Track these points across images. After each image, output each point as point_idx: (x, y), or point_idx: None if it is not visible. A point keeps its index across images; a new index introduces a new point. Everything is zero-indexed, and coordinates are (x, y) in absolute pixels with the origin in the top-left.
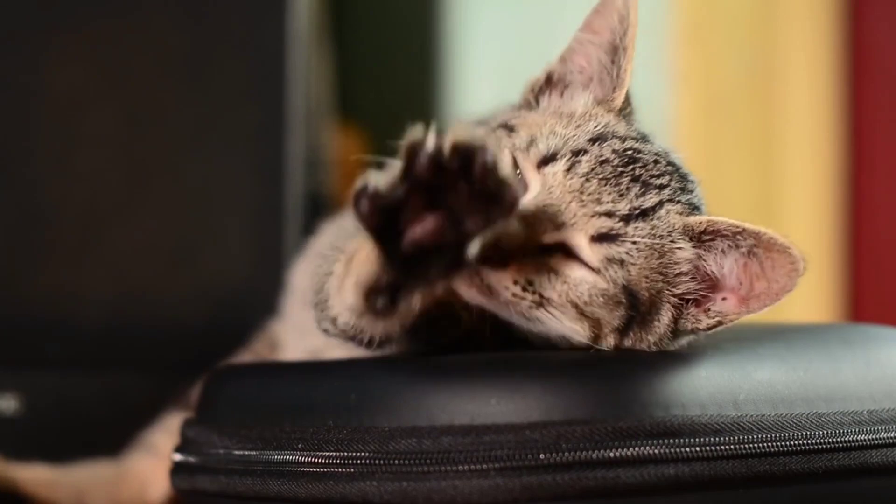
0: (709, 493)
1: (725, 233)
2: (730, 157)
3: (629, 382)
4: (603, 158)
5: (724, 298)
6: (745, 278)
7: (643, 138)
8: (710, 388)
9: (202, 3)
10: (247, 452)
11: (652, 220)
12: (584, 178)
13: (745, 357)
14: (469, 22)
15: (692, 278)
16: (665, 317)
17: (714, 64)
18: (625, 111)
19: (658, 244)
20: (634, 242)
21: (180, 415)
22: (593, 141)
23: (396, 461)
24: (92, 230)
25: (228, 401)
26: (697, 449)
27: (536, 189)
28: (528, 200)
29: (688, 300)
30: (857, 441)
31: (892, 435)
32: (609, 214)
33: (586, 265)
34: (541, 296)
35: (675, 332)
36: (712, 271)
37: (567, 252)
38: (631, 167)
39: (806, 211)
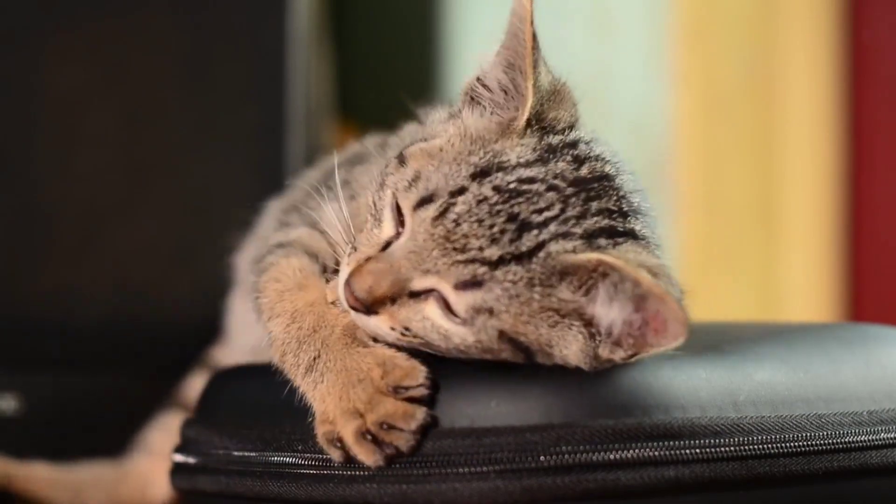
0: (709, 494)
1: (611, 275)
2: (730, 157)
3: (629, 385)
4: (481, 198)
5: (619, 337)
6: (635, 322)
7: (542, 159)
8: (709, 389)
9: (202, 3)
10: (246, 453)
11: (529, 263)
12: (454, 223)
13: (744, 358)
14: (469, 22)
15: (581, 320)
16: (573, 346)
17: (714, 64)
18: (537, 125)
19: (536, 288)
20: (505, 289)
21: (176, 413)
22: (475, 177)
23: (396, 463)
24: (92, 230)
25: (228, 401)
26: (697, 451)
27: (408, 234)
28: (396, 245)
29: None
30: (857, 442)
31: (893, 436)
32: (473, 261)
33: (456, 315)
34: (424, 340)
35: (598, 357)
36: (599, 311)
37: (441, 297)
38: (511, 205)
39: (806, 211)
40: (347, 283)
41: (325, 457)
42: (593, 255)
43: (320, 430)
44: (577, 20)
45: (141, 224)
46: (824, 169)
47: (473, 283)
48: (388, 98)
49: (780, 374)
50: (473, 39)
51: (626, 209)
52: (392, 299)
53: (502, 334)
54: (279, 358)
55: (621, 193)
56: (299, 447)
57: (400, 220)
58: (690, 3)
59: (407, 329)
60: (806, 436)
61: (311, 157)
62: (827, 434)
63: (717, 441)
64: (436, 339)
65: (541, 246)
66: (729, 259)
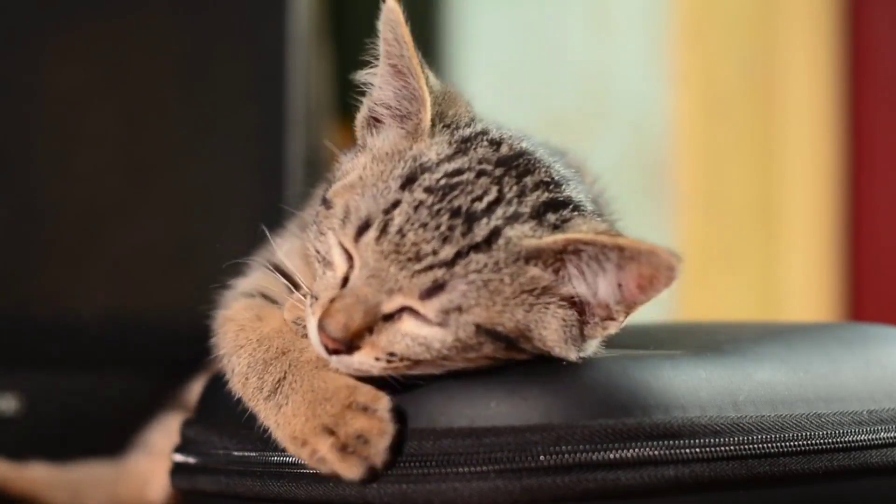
0: (709, 494)
1: (585, 248)
2: (730, 157)
3: (629, 384)
4: (416, 203)
5: (606, 306)
6: (622, 287)
7: (461, 150)
8: (709, 389)
9: (202, 3)
10: (246, 453)
11: (490, 250)
12: (399, 235)
13: (744, 358)
14: (470, 22)
15: (557, 299)
16: (552, 326)
17: (714, 64)
18: (442, 123)
19: (505, 273)
20: (470, 282)
21: (178, 414)
22: (404, 186)
23: (396, 463)
24: (92, 230)
25: (228, 401)
26: (697, 450)
27: (359, 263)
28: (353, 277)
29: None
30: (857, 441)
31: (892, 435)
32: (431, 267)
33: (430, 321)
34: (410, 360)
35: (583, 336)
36: (580, 289)
37: (412, 310)
38: (448, 200)
39: (806, 211)
40: (321, 328)
41: None
42: (560, 237)
43: (303, 454)
44: (577, 20)
45: (141, 224)
46: (824, 169)
47: (436, 288)
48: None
49: (780, 374)
50: (473, 39)
51: (556, 178)
52: (369, 329)
53: (479, 328)
54: (241, 384)
55: (546, 164)
56: None
57: (348, 256)
58: (690, 3)
59: (392, 354)
60: (806, 435)
61: (311, 157)
62: (827, 433)
63: (717, 440)
64: (420, 353)
65: (496, 232)
66: (729, 259)
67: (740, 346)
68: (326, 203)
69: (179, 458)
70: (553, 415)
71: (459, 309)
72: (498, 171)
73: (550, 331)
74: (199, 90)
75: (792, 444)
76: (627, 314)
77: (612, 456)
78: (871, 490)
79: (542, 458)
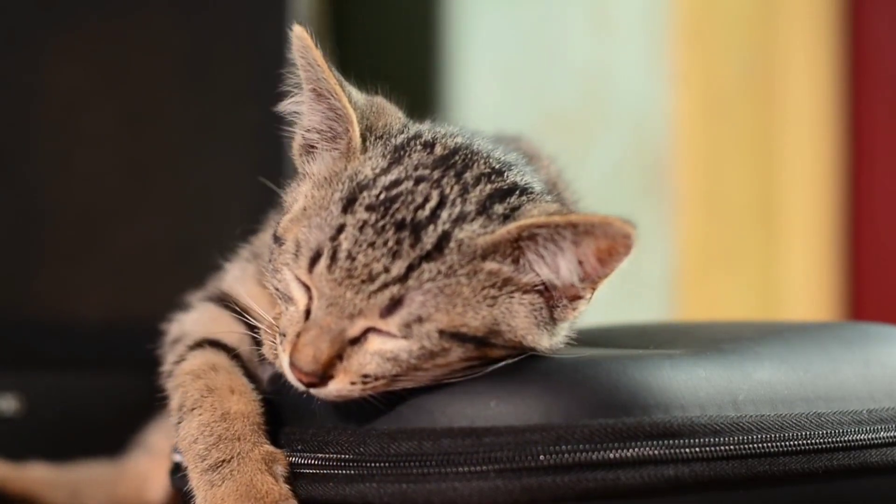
0: (709, 493)
1: (539, 232)
2: (730, 157)
3: (628, 384)
4: (360, 224)
5: (571, 285)
6: (584, 264)
7: (396, 160)
8: (709, 388)
9: (202, 3)
10: None
11: (442, 256)
12: (349, 261)
13: (744, 357)
14: (470, 22)
15: (522, 285)
16: (520, 315)
17: (714, 64)
18: (373, 136)
19: (461, 275)
20: (426, 291)
21: None
22: (345, 209)
23: (396, 463)
24: (92, 230)
25: None
26: (697, 449)
27: (317, 293)
28: (314, 308)
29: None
30: (856, 441)
31: (892, 434)
32: (385, 285)
33: (394, 336)
34: (384, 377)
35: (553, 319)
36: (542, 273)
37: (376, 329)
38: (391, 214)
39: (806, 211)
40: (292, 365)
41: (324, 456)
42: (512, 226)
43: None
44: (577, 20)
45: (141, 224)
46: (824, 169)
47: (394, 304)
48: (389, 98)
49: (780, 373)
50: (473, 39)
51: (497, 167)
52: (339, 356)
53: (442, 333)
54: (188, 443)
55: (484, 154)
56: (299, 447)
57: (307, 288)
58: (690, 3)
59: (366, 376)
60: (805, 434)
61: None
62: (826, 433)
63: (717, 440)
64: (391, 368)
65: (446, 237)
66: (729, 259)
67: (740, 345)
68: (278, 240)
69: (179, 458)
70: (553, 414)
71: (420, 319)
72: (436, 174)
73: (520, 319)
74: (199, 90)
75: (792, 443)
76: (594, 290)
77: (611, 455)
78: (871, 489)
79: (542, 457)
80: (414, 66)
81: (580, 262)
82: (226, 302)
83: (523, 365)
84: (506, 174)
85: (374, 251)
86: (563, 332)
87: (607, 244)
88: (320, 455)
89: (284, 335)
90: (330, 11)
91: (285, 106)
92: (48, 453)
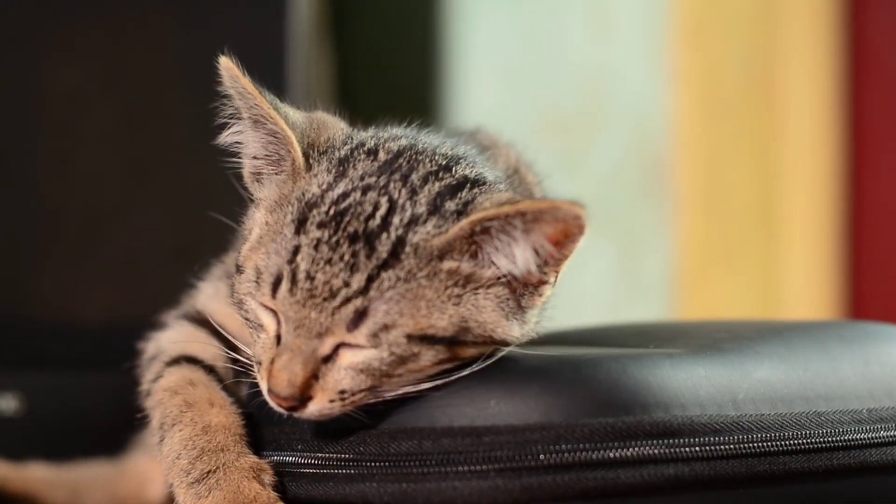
0: (709, 492)
1: (491, 224)
2: (730, 158)
3: (628, 383)
4: (314, 243)
5: (531, 273)
6: (539, 250)
7: (341, 173)
8: (709, 387)
9: (202, 3)
10: None
11: (399, 262)
12: (308, 281)
13: (744, 356)
14: (470, 22)
15: (484, 279)
16: (487, 309)
17: (714, 64)
18: (317, 152)
19: (421, 278)
20: (388, 299)
21: None
22: (298, 230)
23: (396, 462)
24: (92, 230)
25: None
26: (697, 449)
27: (283, 317)
28: (283, 332)
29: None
30: (856, 440)
31: (892, 433)
32: (348, 300)
33: (362, 346)
34: (362, 390)
35: (521, 307)
36: (501, 264)
37: (346, 344)
38: (343, 228)
39: (806, 211)
40: (270, 392)
41: (324, 456)
42: (464, 223)
43: None
44: (577, 20)
45: (141, 224)
46: (824, 169)
47: (359, 317)
48: (388, 98)
49: (780, 372)
50: (473, 39)
51: (444, 163)
52: (314, 376)
53: (410, 338)
54: (171, 460)
55: (430, 153)
56: (299, 447)
57: (274, 313)
58: (690, 3)
59: (342, 392)
60: (805, 433)
61: None
62: (826, 432)
63: (717, 439)
64: (365, 380)
65: (400, 242)
66: (729, 259)
67: (740, 344)
68: (239, 269)
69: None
70: (553, 413)
71: (386, 327)
72: (382, 180)
73: (487, 313)
74: (199, 90)
75: (791, 442)
76: (557, 273)
77: (611, 454)
78: (871, 488)
79: (541, 456)
80: (414, 67)
81: (535, 249)
82: (201, 320)
83: (523, 364)
84: (454, 169)
85: (332, 267)
86: (534, 318)
87: (560, 228)
88: (320, 455)
89: (260, 363)
90: (330, 11)
91: (225, 138)
92: (48, 453)
